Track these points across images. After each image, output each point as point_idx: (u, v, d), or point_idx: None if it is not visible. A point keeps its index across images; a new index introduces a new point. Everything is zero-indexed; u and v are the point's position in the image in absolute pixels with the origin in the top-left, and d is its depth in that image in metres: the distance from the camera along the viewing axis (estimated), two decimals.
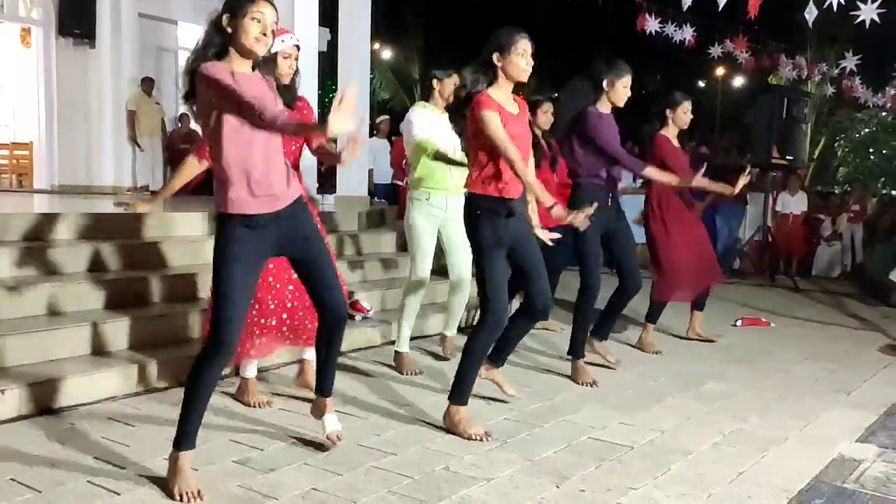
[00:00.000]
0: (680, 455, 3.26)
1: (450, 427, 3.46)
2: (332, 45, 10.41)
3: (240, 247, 2.76)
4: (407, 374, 4.45)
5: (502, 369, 3.96)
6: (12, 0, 10.38)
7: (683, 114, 5.23)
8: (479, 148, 3.47)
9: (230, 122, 2.65)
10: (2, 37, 11.38)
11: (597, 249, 4.51)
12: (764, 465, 3.20)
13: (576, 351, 4.56)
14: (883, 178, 13.45)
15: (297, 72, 3.66)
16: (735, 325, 6.40)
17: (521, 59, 3.42)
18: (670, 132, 5.24)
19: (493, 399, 3.94)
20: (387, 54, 21.49)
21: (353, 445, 3.23)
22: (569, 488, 2.89)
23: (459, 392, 3.50)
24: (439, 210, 4.46)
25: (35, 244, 4.58)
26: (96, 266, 4.66)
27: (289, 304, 3.67)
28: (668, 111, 5.24)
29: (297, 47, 3.63)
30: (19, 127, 11.48)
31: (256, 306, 3.55)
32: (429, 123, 4.36)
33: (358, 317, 5.18)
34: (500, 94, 3.46)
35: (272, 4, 2.72)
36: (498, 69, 3.44)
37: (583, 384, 4.38)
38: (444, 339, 4.93)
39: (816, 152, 16.72)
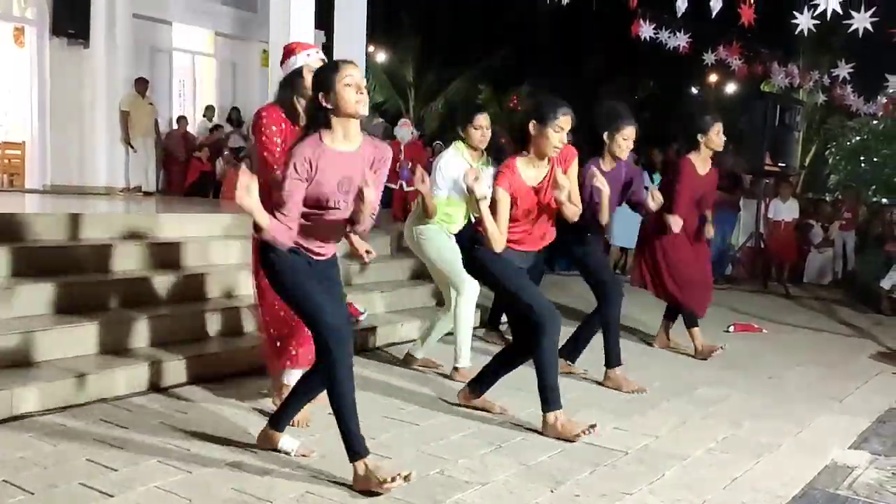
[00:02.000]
0: (674, 460, 3.27)
1: (558, 436, 3.48)
2: (327, 48, 10.40)
3: (296, 266, 2.90)
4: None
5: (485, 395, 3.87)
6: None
7: (716, 136, 5.14)
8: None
9: (311, 189, 2.82)
10: None
11: (604, 260, 4.54)
12: (758, 471, 3.21)
13: (613, 360, 4.49)
14: (874, 186, 13.55)
15: None
16: (728, 331, 6.41)
17: (554, 135, 3.43)
18: (700, 155, 5.18)
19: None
20: (381, 57, 21.48)
21: None
22: (563, 493, 2.89)
23: (549, 399, 3.55)
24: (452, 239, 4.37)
25: (32, 244, 4.55)
26: (88, 266, 4.64)
27: None
28: (700, 136, 5.14)
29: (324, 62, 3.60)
30: (11, 126, 11.40)
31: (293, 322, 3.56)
32: (458, 177, 4.14)
33: (352, 320, 5.16)
34: (526, 163, 3.50)
35: (354, 63, 2.86)
36: (531, 138, 3.47)
37: (630, 392, 4.35)
38: (412, 358, 4.73)
39: (808, 160, 16.81)
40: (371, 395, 4.07)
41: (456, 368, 4.49)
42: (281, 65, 3.57)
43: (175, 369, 4.03)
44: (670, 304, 5.47)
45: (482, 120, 4.31)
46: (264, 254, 2.91)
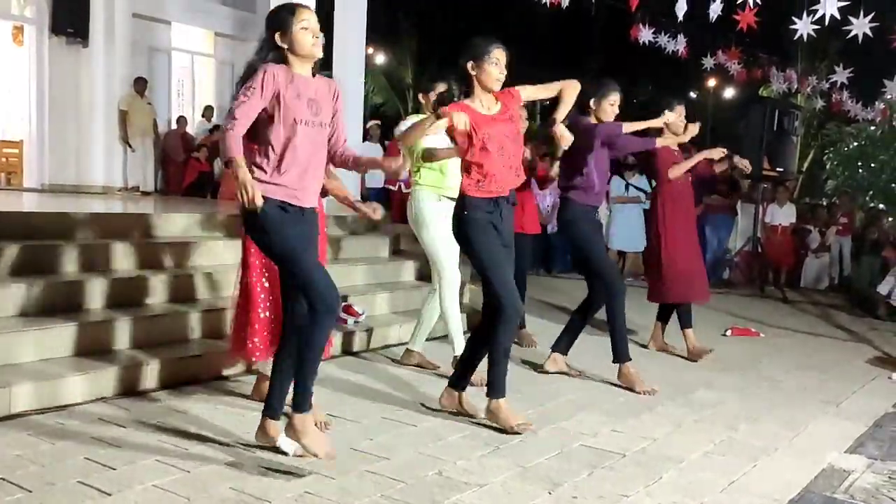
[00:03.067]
0: (671, 463, 3.27)
1: (497, 422, 3.57)
2: (327, 49, 10.41)
3: (281, 224, 2.91)
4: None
5: (466, 394, 3.85)
6: None
7: (676, 118, 5.25)
8: (463, 152, 3.60)
9: (282, 115, 2.89)
10: None
11: (603, 251, 4.69)
12: (754, 475, 3.22)
13: (620, 355, 4.55)
14: (871, 192, 13.55)
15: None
16: (725, 335, 6.43)
17: (493, 67, 3.55)
18: (668, 140, 5.24)
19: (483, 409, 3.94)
20: (380, 59, 21.50)
21: (346, 449, 3.22)
22: (561, 495, 2.89)
23: (497, 386, 3.62)
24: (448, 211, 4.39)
25: (28, 242, 4.55)
26: (90, 266, 4.64)
27: None
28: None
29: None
30: (9, 125, 11.40)
31: (270, 305, 3.57)
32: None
33: (350, 321, 5.17)
34: (476, 101, 3.59)
35: (310, 8, 2.97)
36: (473, 78, 3.58)
37: (642, 392, 4.39)
38: (410, 353, 4.78)
39: (805, 165, 16.84)
40: (369, 396, 4.08)
41: (456, 357, 4.50)
42: None
43: (173, 369, 4.03)
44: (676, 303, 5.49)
45: (441, 87, 4.42)
46: (250, 216, 2.89)
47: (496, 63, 3.54)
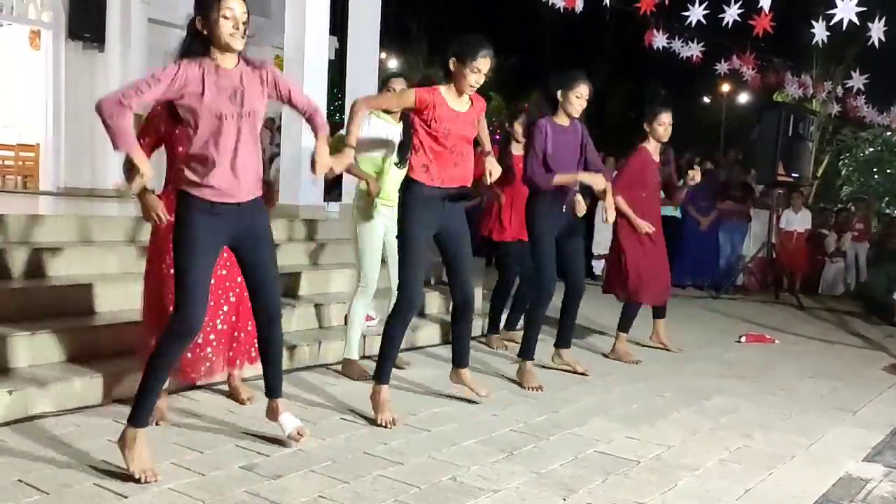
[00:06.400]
0: (686, 471, 3.25)
1: (374, 407, 3.66)
2: (341, 53, 10.45)
3: (199, 231, 2.85)
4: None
5: (468, 370, 4.03)
6: (22, 2, 10.41)
7: (658, 126, 5.24)
8: (417, 134, 3.65)
9: (204, 110, 2.80)
10: (11, 39, 11.41)
11: (552, 251, 4.51)
12: (770, 483, 3.19)
13: (526, 353, 4.57)
14: (886, 198, 13.48)
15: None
16: (739, 341, 6.39)
17: (472, 75, 3.58)
18: (650, 145, 5.30)
19: (497, 414, 3.93)
20: (392, 63, 21.58)
21: (360, 454, 3.22)
22: (575, 502, 2.88)
23: (380, 373, 3.71)
24: (384, 219, 4.41)
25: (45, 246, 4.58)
26: (99, 269, 4.66)
27: (233, 318, 3.66)
28: (645, 125, 5.31)
29: None
30: (25, 129, 11.49)
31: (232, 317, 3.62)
32: (369, 127, 4.35)
33: (363, 325, 5.15)
34: (447, 91, 3.64)
35: None
36: (451, 74, 3.63)
37: (528, 388, 4.42)
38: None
39: (820, 170, 16.75)
40: None
41: (346, 360, 4.57)
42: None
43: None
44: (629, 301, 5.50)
45: (397, 83, 4.46)
46: (178, 210, 2.87)
47: (476, 71, 3.58)
